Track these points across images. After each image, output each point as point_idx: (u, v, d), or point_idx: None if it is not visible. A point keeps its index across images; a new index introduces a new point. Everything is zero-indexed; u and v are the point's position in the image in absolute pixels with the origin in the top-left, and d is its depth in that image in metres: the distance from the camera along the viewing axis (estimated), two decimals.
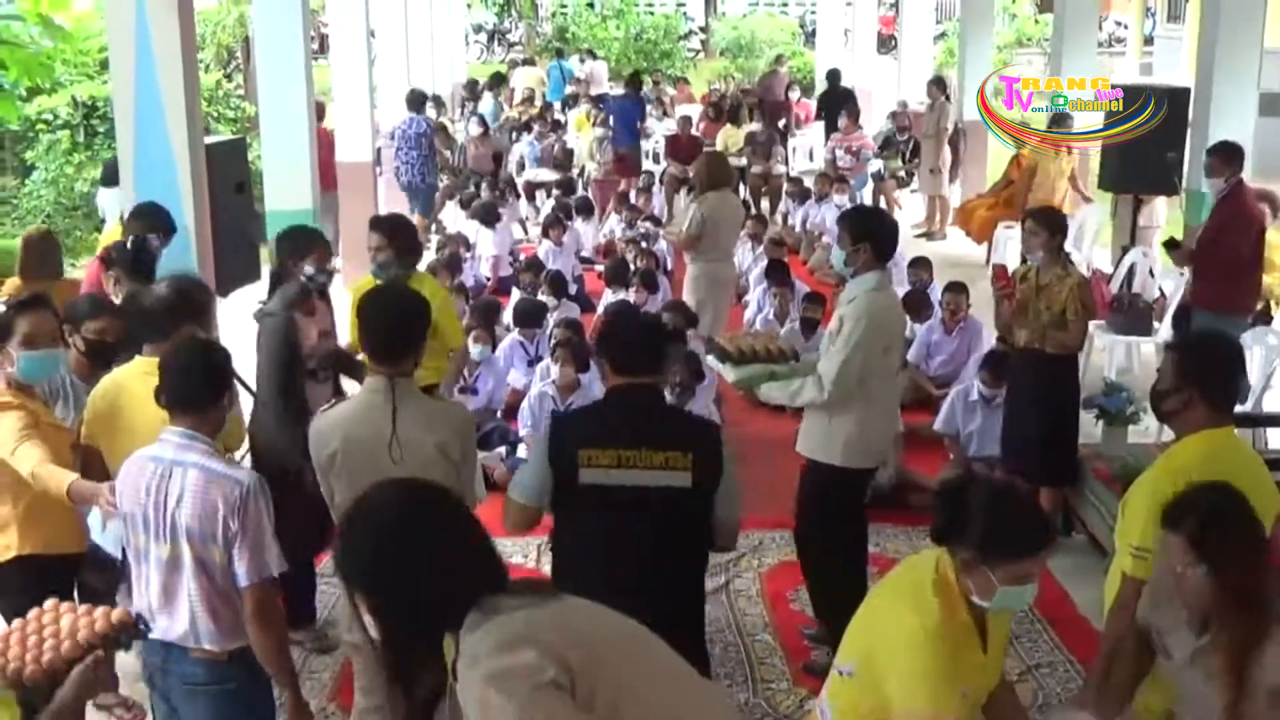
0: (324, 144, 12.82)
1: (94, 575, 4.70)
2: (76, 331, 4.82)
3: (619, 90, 19.65)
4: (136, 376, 4.29)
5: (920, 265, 10.47)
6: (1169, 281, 9.34)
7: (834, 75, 18.43)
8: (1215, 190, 7.90)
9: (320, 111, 13.99)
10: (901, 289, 10.42)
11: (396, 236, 6.01)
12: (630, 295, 9.72)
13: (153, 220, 6.29)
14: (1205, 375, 3.72)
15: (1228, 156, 7.89)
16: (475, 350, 8.22)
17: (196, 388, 3.64)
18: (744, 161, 15.59)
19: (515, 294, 10.53)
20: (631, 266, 10.66)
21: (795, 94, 19.73)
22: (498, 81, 15.24)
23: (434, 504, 2.49)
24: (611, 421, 3.81)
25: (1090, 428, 7.06)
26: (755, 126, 16.19)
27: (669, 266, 12.02)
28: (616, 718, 2.30)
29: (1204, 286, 7.93)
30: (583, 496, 3.72)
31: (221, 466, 3.58)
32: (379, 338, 4.02)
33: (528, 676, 2.22)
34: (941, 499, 3.16)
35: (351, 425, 3.94)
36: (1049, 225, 6.49)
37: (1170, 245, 8.22)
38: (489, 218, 12.71)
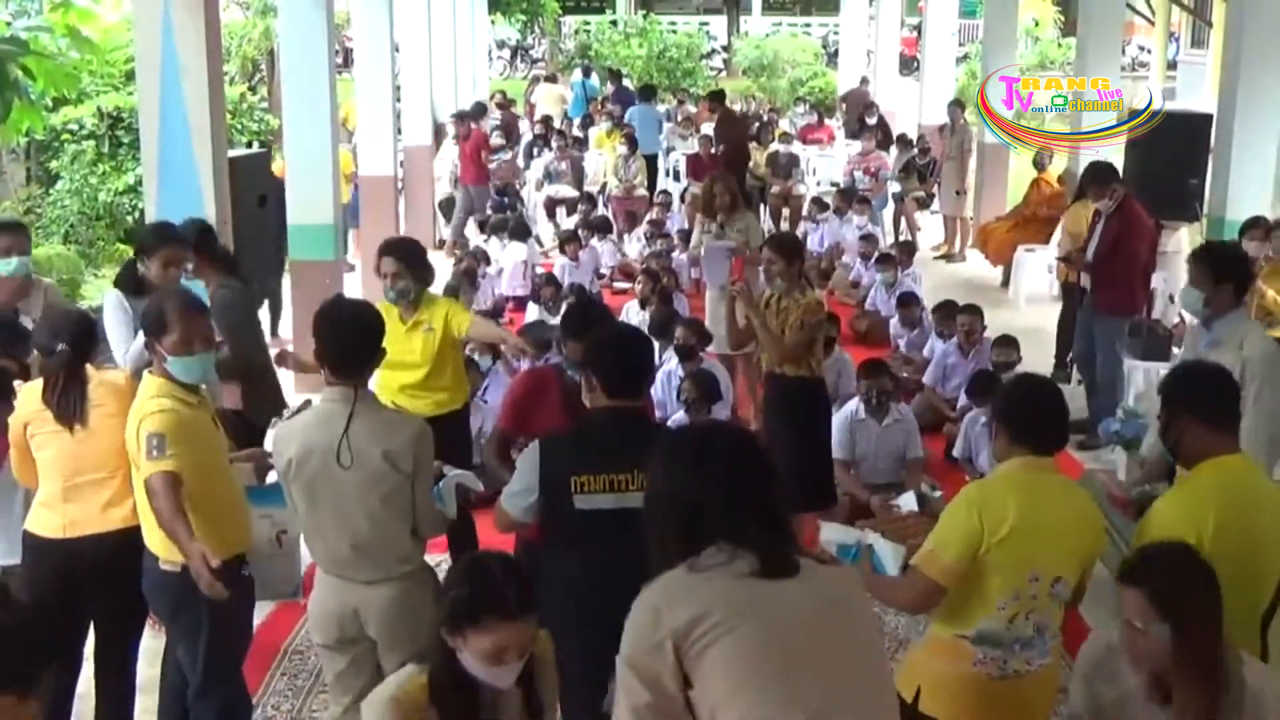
0: (475, 142, 15.00)
1: None
2: None
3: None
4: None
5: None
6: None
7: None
8: (1104, 207, 8.34)
9: (480, 112, 14.44)
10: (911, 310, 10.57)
11: (412, 262, 5.90)
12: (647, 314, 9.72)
13: None
14: (1192, 400, 3.69)
15: (1104, 178, 8.40)
16: (484, 362, 8.19)
17: None
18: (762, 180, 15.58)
19: (533, 310, 10.56)
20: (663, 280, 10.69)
21: (873, 117, 19.22)
22: (513, 122, 15.27)
23: None
24: (601, 446, 3.79)
25: (1107, 454, 7.01)
26: (779, 147, 16.13)
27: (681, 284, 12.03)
28: None
29: (1104, 292, 8.41)
30: (574, 520, 3.73)
31: None
32: (337, 352, 4.08)
33: None
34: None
35: (309, 433, 4.06)
36: (785, 253, 6.52)
37: (1064, 259, 8.46)
38: (502, 231, 12.85)
